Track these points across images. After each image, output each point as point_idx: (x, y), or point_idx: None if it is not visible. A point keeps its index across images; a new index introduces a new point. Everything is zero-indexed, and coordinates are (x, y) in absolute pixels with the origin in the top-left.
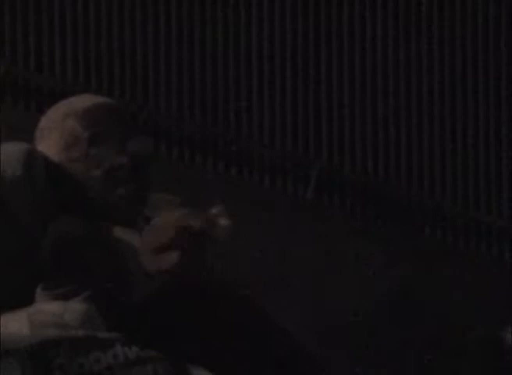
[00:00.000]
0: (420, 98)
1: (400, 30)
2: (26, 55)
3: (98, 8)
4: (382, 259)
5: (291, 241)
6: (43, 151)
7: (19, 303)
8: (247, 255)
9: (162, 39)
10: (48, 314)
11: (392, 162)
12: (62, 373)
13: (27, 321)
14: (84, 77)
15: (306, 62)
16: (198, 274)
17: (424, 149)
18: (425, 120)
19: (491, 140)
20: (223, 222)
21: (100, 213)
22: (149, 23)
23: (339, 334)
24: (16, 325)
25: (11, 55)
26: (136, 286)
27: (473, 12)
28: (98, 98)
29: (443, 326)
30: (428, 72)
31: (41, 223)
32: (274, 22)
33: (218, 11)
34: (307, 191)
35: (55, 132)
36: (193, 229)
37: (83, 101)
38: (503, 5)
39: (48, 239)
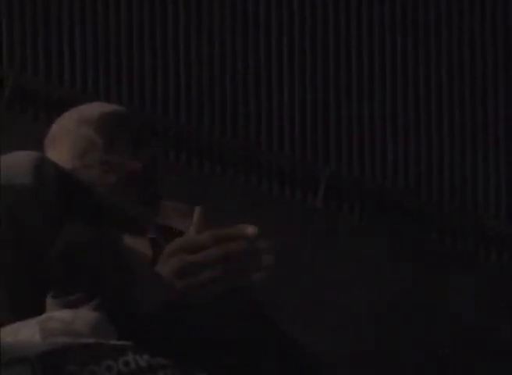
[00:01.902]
0: (428, 103)
1: (409, 37)
2: (35, 64)
3: (106, 16)
4: (389, 263)
5: (298, 246)
6: (54, 159)
7: (29, 311)
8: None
9: (170, 46)
10: (59, 322)
11: (401, 167)
12: None
13: (38, 329)
14: (93, 85)
15: (314, 67)
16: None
17: (432, 154)
18: (434, 125)
19: (501, 143)
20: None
21: (111, 222)
22: (157, 31)
23: (341, 337)
24: (27, 332)
25: (20, 64)
26: (144, 296)
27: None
28: (110, 105)
29: (450, 329)
30: (437, 76)
31: (51, 231)
32: (282, 26)
33: (227, 18)
34: (316, 197)
35: (68, 139)
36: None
37: (95, 108)
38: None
39: (58, 247)
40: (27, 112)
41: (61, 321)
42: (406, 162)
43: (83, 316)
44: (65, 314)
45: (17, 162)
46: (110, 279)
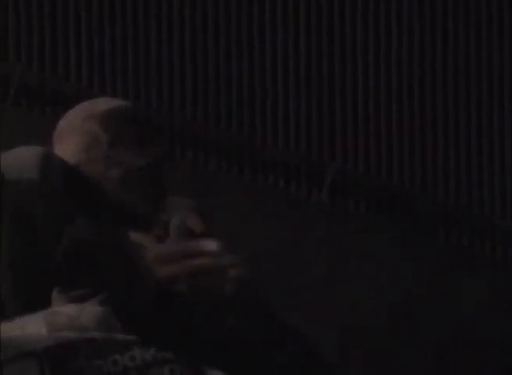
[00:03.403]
0: (434, 101)
1: (416, 32)
2: (40, 58)
3: (113, 12)
4: (392, 261)
5: (303, 243)
6: (61, 154)
7: (35, 306)
8: (259, 257)
9: (175, 43)
10: (65, 316)
11: (407, 164)
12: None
13: (44, 323)
14: (99, 81)
15: (319, 62)
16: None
17: (439, 151)
18: (440, 123)
19: (506, 142)
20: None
21: (116, 217)
22: (163, 27)
23: (341, 336)
24: (34, 327)
25: (26, 58)
26: (150, 290)
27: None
28: (116, 101)
29: (455, 330)
30: (442, 74)
31: (57, 226)
32: (288, 22)
33: (233, 13)
34: (321, 193)
35: (74, 134)
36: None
37: (101, 103)
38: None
39: (63, 242)
40: (33, 109)
41: (67, 315)
42: (411, 159)
43: (89, 311)
44: (71, 308)
45: (23, 158)
46: (115, 276)
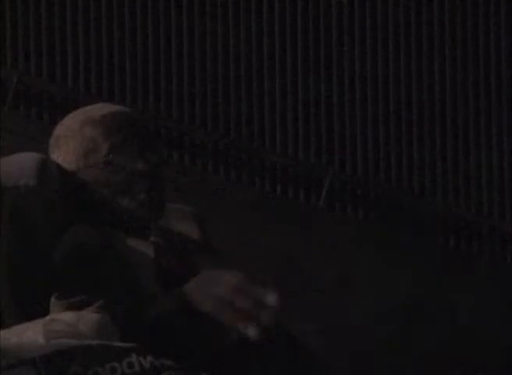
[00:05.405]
0: (433, 106)
1: (413, 39)
2: (38, 65)
3: (111, 19)
4: (391, 263)
5: (302, 246)
6: (59, 159)
7: (33, 312)
8: (258, 259)
9: (174, 48)
10: (63, 323)
11: (405, 170)
12: None
13: (42, 330)
14: (96, 87)
15: (318, 68)
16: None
17: (436, 156)
18: (437, 129)
19: (504, 143)
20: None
21: (114, 223)
22: (161, 33)
23: (341, 337)
24: (31, 334)
25: (24, 65)
26: (150, 298)
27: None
28: (114, 106)
29: (454, 330)
30: (441, 78)
31: (55, 232)
32: (285, 29)
33: (231, 21)
34: (319, 198)
35: (73, 140)
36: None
37: (100, 109)
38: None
39: (62, 247)
40: (31, 114)
41: (65, 323)
42: (409, 163)
43: (88, 318)
44: (69, 316)
45: (21, 164)
46: (113, 280)
